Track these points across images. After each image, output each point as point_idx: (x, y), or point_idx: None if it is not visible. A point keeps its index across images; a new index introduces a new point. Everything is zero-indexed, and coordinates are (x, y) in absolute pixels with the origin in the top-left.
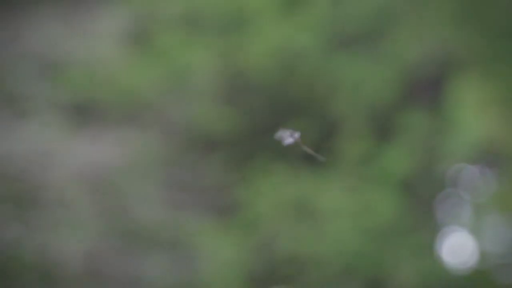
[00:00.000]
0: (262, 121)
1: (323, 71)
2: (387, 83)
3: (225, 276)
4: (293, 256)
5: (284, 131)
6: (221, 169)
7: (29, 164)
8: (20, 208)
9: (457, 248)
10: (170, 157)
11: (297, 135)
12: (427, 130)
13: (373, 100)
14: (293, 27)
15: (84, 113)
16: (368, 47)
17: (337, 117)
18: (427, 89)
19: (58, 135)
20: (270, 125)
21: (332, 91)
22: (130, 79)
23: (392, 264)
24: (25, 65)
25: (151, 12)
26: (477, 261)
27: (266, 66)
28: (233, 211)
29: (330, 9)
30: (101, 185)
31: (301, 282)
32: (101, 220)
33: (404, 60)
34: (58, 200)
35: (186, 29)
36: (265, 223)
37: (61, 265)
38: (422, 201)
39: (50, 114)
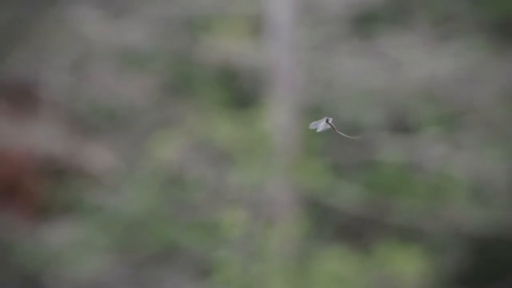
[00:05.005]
0: None
1: None
2: None
3: None
4: None
5: (319, 119)
6: None
7: (455, 85)
8: (447, 129)
9: None
10: None
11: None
12: None
13: None
14: None
15: (508, 32)
16: None
17: None
18: None
19: (483, 56)
20: None
21: None
22: None
23: None
24: None
25: None
26: None
27: None
28: None
29: None
30: None
31: None
32: None
33: None
34: (484, 121)
35: None
36: None
37: (490, 182)
38: None
39: (474, 34)
